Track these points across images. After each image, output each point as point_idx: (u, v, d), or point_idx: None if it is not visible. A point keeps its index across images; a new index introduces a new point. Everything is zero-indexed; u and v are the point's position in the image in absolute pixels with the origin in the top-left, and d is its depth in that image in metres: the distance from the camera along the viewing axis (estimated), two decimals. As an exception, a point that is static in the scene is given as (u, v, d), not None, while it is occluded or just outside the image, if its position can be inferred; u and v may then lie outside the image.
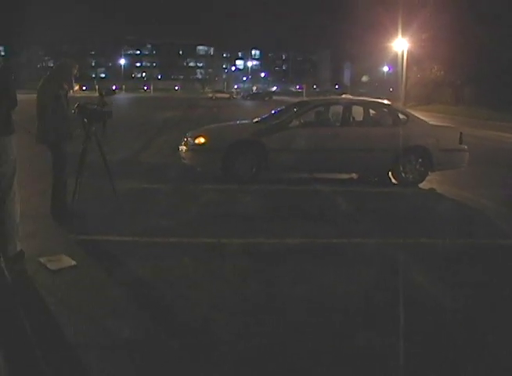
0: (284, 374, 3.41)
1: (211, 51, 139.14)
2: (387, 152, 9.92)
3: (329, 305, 4.44)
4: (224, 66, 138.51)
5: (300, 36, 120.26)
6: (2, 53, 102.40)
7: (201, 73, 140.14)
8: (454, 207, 8.66)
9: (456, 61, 47.99)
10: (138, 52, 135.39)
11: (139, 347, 3.66)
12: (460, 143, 10.23)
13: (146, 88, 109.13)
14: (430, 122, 11.47)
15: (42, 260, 5.07)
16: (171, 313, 4.26)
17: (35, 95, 6.64)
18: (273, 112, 11.48)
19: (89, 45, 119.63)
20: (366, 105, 10.85)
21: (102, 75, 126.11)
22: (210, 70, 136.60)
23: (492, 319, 4.28)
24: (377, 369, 3.48)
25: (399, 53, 48.52)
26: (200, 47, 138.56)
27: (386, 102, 11.74)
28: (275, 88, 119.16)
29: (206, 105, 48.11)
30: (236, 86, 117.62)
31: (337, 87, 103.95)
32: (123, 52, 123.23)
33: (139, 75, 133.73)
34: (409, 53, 47.99)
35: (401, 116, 10.56)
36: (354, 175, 10.84)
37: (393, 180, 10.20)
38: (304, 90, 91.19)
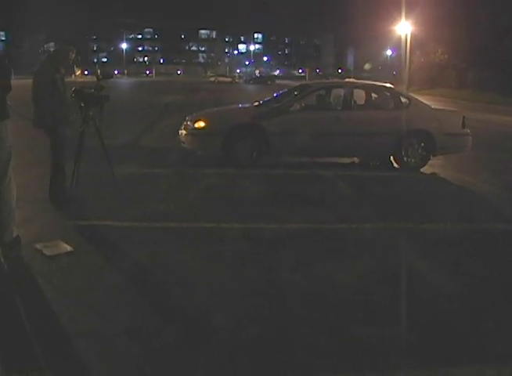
0: (282, 361, 3.37)
1: (213, 35, 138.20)
2: (389, 136, 9.83)
3: (329, 291, 4.39)
4: (226, 50, 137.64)
5: (303, 20, 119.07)
6: (3, 38, 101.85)
7: (203, 57, 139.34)
8: (456, 192, 8.59)
9: (460, 45, 47.62)
10: (140, 36, 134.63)
11: (137, 334, 3.62)
12: (463, 127, 10.13)
13: (148, 72, 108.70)
14: (433, 106, 11.35)
15: (39, 246, 5.02)
16: (169, 299, 4.22)
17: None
18: (274, 95, 11.38)
19: (90, 30, 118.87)
20: (368, 88, 10.75)
21: (104, 60, 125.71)
22: (212, 54, 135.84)
23: (495, 310, 4.23)
24: (376, 352, 3.44)
25: (403, 37, 48.08)
26: (202, 31, 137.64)
27: (388, 85, 11.62)
28: (277, 72, 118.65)
29: (208, 89, 47.86)
30: (238, 70, 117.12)
31: (340, 71, 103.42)
32: (124, 37, 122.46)
33: (141, 59, 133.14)
34: (413, 36, 47.54)
35: (403, 99, 10.45)
36: (355, 160, 10.76)
37: (395, 164, 10.13)
38: (306, 74, 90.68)
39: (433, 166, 10.16)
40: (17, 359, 3.32)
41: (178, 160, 10.21)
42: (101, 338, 3.56)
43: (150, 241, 5.49)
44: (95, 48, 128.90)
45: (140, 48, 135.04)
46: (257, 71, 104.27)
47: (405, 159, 9.90)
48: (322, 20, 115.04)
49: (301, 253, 5.29)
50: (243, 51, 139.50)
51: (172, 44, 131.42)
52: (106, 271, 4.73)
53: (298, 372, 3.28)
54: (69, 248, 5.04)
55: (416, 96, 11.49)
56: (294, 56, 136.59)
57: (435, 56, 53.98)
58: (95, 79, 7.17)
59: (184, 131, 9.90)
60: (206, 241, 5.56)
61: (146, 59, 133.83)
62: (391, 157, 10.17)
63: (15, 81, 5.01)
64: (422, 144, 9.87)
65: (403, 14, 45.90)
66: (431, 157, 10.03)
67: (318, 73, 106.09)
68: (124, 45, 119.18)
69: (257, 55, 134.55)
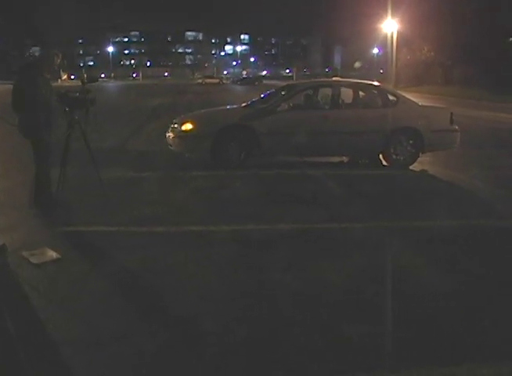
0: (274, 361, 3.31)
1: (200, 36, 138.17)
2: (378, 134, 9.80)
3: (321, 291, 4.34)
4: (213, 51, 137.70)
5: (289, 20, 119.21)
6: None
7: (190, 59, 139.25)
8: (446, 189, 8.57)
9: (446, 42, 47.81)
10: (126, 39, 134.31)
11: (124, 340, 3.55)
12: (451, 124, 10.13)
13: (135, 75, 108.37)
14: (421, 103, 11.34)
15: (25, 254, 4.93)
16: (158, 305, 4.15)
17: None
18: (262, 96, 11.32)
19: (77, 34, 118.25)
20: (355, 87, 10.71)
21: (91, 63, 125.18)
22: (199, 55, 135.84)
23: (490, 306, 4.19)
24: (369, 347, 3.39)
25: (389, 35, 48.16)
26: (189, 33, 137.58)
27: (375, 83, 11.58)
28: (265, 72, 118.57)
29: (195, 91, 47.78)
30: (225, 71, 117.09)
31: (327, 70, 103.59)
32: (111, 40, 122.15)
33: (128, 63, 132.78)
34: (399, 34, 47.60)
35: (391, 97, 10.43)
36: (344, 158, 10.72)
37: (384, 162, 10.10)
38: (294, 74, 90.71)
39: (422, 163, 10.14)
40: (3, 367, 3.24)
41: (166, 163, 10.11)
42: (87, 345, 3.49)
43: (138, 246, 5.40)
44: (81, 52, 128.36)
45: (127, 52, 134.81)
46: (244, 72, 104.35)
47: (393, 157, 9.88)
48: (309, 20, 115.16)
49: (291, 253, 5.23)
50: (230, 52, 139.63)
51: (159, 46, 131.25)
52: (92, 277, 4.65)
53: (290, 372, 3.23)
54: (55, 255, 4.95)
55: (404, 94, 11.48)
56: (281, 56, 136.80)
57: (421, 54, 54.19)
58: (80, 83, 7.07)
59: (171, 134, 9.80)
60: (195, 245, 5.48)
61: (132, 62, 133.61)
62: (380, 155, 10.14)
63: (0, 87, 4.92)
64: (410, 141, 9.85)
65: (389, 12, 45.99)
66: (420, 154, 10.02)
67: (305, 72, 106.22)
68: (110, 49, 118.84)
69: (244, 56, 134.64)
